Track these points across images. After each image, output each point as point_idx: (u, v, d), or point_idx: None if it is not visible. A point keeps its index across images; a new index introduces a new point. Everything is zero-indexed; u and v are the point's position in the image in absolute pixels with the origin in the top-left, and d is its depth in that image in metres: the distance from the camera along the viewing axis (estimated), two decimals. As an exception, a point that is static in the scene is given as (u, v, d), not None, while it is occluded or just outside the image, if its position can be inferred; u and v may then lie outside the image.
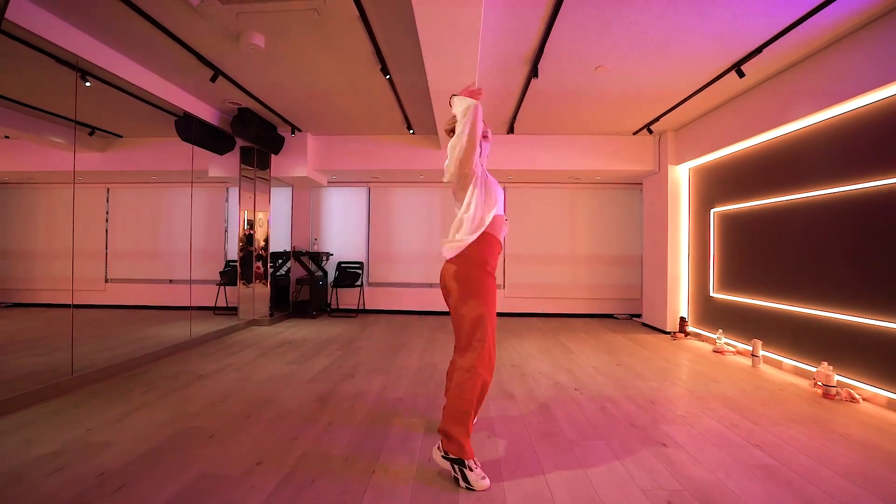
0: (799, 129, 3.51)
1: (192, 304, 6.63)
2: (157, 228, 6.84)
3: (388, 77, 3.57)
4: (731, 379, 3.37)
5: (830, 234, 3.21)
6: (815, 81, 3.20)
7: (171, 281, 6.88)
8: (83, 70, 3.41)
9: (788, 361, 3.58)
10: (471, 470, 1.79)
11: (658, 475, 1.88)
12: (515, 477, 1.87)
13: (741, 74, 3.39)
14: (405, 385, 3.13)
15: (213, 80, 3.59)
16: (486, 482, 1.79)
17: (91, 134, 5.27)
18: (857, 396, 2.83)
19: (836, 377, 2.96)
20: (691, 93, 4.01)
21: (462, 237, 1.93)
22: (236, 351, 4.11)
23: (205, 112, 4.57)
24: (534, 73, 3.49)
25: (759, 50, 3.13)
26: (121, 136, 5.73)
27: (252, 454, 2.05)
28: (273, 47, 3.23)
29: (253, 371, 3.44)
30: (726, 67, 3.46)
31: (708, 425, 2.44)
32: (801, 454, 2.09)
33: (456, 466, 1.81)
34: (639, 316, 6.34)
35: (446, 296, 2.00)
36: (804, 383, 3.25)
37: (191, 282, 5.30)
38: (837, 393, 2.88)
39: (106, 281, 6.68)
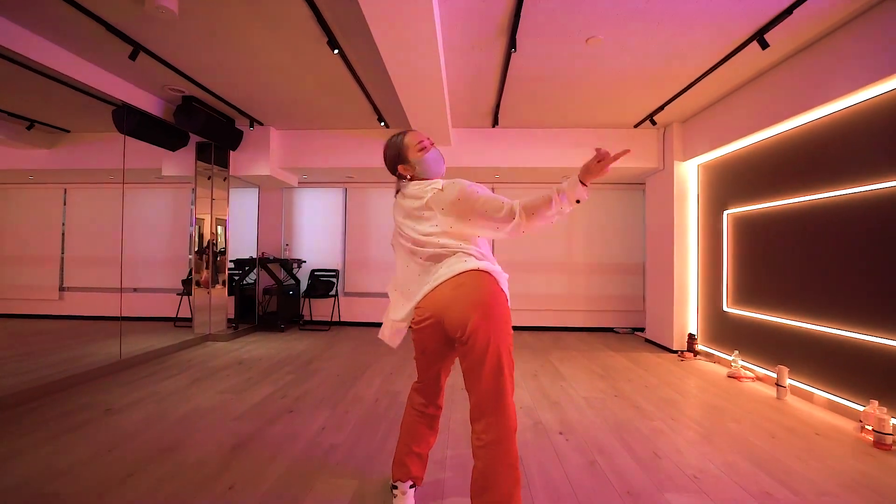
0: (832, 113, 2.91)
1: (155, 315, 6.11)
2: (115, 232, 6.29)
3: (336, 52, 2.99)
4: (755, 417, 2.75)
5: (874, 240, 2.60)
6: (859, 51, 2.59)
7: (135, 290, 6.34)
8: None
9: (821, 394, 2.95)
10: None
11: None
12: None
13: (764, 45, 2.78)
14: (351, 424, 2.54)
15: (132, 57, 3.03)
16: None
17: (30, 128, 4.73)
18: (920, 447, 2.21)
19: (893, 421, 2.34)
20: (703, 72, 3.41)
21: None
22: (171, 375, 3.53)
23: (144, 101, 4.02)
24: (512, 45, 2.91)
25: (787, 11, 2.53)
26: (68, 131, 5.20)
27: (94, 546, 1.46)
28: (192, 14, 2.67)
29: (175, 403, 2.86)
30: (747, 37, 2.85)
31: (731, 495, 1.82)
32: (867, 551, 1.48)
33: None
34: (642, 330, 5.71)
35: None
36: (845, 424, 2.63)
37: (121, 290, 4.76)
38: (895, 442, 2.26)
39: (61, 289, 6.14)
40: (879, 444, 2.28)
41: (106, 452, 2.15)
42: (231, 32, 2.91)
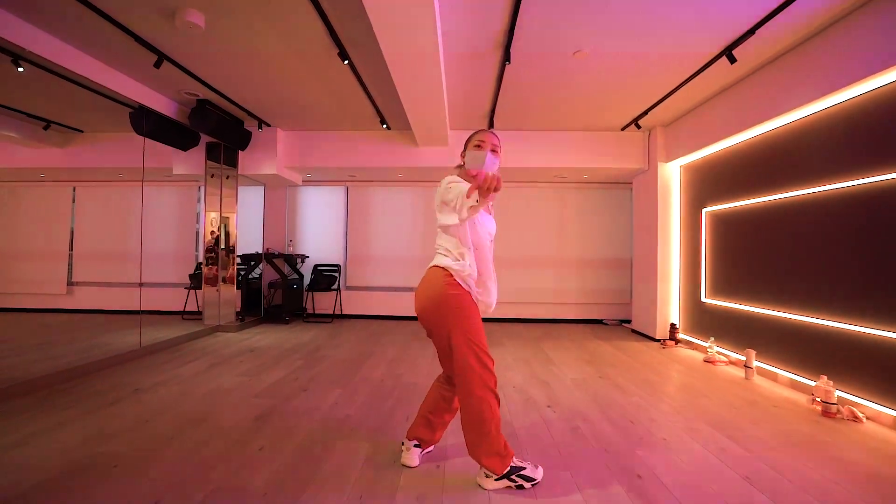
0: (797, 119, 3.23)
1: (163, 309, 6.34)
2: (125, 229, 6.51)
3: (346, 62, 3.26)
4: (722, 393, 3.07)
5: (832, 235, 2.92)
6: (814, 66, 2.92)
7: (140, 284, 6.55)
8: (14, 54, 3.12)
9: (784, 374, 3.28)
10: (524, 468, 1.78)
11: (628, 518, 1.58)
12: (457, 520, 1.57)
13: (732, 60, 3.10)
14: (361, 400, 2.83)
15: (156, 65, 3.29)
16: (541, 469, 1.84)
17: (46, 128, 4.96)
18: (860, 415, 2.53)
19: (837, 393, 2.67)
20: (679, 83, 3.73)
21: None
22: (189, 360, 3.80)
23: (161, 104, 4.27)
24: (506, 58, 3.20)
25: (751, 32, 2.84)
26: (81, 131, 5.42)
27: (154, 490, 1.74)
28: (216, 28, 2.93)
29: (198, 384, 3.13)
30: (716, 53, 3.17)
31: (692, 451, 2.14)
32: (797, 487, 1.79)
33: (513, 478, 1.75)
34: (628, 321, 6.04)
35: None
36: (802, 398, 2.96)
37: (141, 284, 4.98)
38: (838, 411, 2.58)
39: (69, 284, 6.35)
40: (826, 412, 2.60)
41: (144, 422, 2.42)
42: (249, 44, 3.17)
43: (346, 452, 2.09)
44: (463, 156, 1.87)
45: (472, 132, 1.88)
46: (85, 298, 6.37)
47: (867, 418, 2.56)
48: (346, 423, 2.44)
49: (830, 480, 1.87)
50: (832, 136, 2.92)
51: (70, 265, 6.41)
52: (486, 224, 1.86)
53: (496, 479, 1.75)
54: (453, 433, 2.24)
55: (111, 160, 5.53)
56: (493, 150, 1.78)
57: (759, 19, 2.75)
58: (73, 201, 6.48)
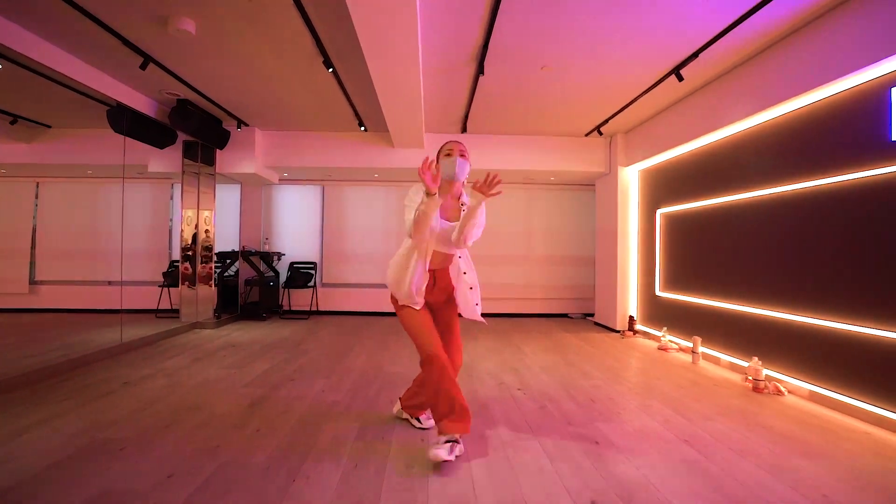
0: (738, 131, 3.64)
1: (134, 308, 6.26)
2: (93, 226, 6.39)
3: (331, 70, 3.45)
4: (672, 376, 3.45)
5: (767, 234, 3.34)
6: (749, 85, 3.33)
7: (109, 282, 6.46)
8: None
9: (725, 357, 3.70)
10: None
11: (586, 474, 1.87)
12: (442, 476, 1.82)
13: (680, 78, 3.48)
14: (346, 387, 3.03)
15: (142, 67, 3.37)
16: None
17: (13, 123, 4.87)
18: (783, 389, 2.95)
19: (765, 371, 3.08)
20: (635, 96, 4.10)
21: None
22: (172, 355, 3.88)
23: (140, 103, 4.31)
24: (480, 70, 3.47)
25: (695, 55, 3.22)
26: (49, 127, 5.33)
27: (165, 466, 1.90)
28: (206, 34, 3.06)
29: (185, 376, 3.25)
30: (666, 71, 3.55)
31: (642, 422, 2.47)
32: (726, 448, 2.14)
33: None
34: (592, 315, 6.45)
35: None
36: (738, 378, 3.37)
37: (122, 283, 4.98)
38: (766, 386, 2.99)
39: (32, 282, 6.19)
40: (756, 388, 3.01)
41: (140, 410, 2.55)
42: (236, 49, 3.30)
43: (337, 430, 2.30)
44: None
45: (445, 136, 2.23)
46: (50, 297, 6.23)
47: (789, 392, 2.98)
48: (335, 408, 2.65)
49: (753, 441, 2.23)
50: (766, 148, 3.34)
51: (32, 263, 6.24)
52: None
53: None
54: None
55: (80, 157, 5.46)
56: (462, 155, 2.06)
57: (702, 44, 3.12)
58: (37, 197, 6.31)
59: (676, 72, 3.44)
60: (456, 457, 1.91)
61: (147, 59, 3.34)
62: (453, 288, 2.31)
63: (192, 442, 2.15)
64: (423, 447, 2.12)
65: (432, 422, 2.33)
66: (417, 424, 2.35)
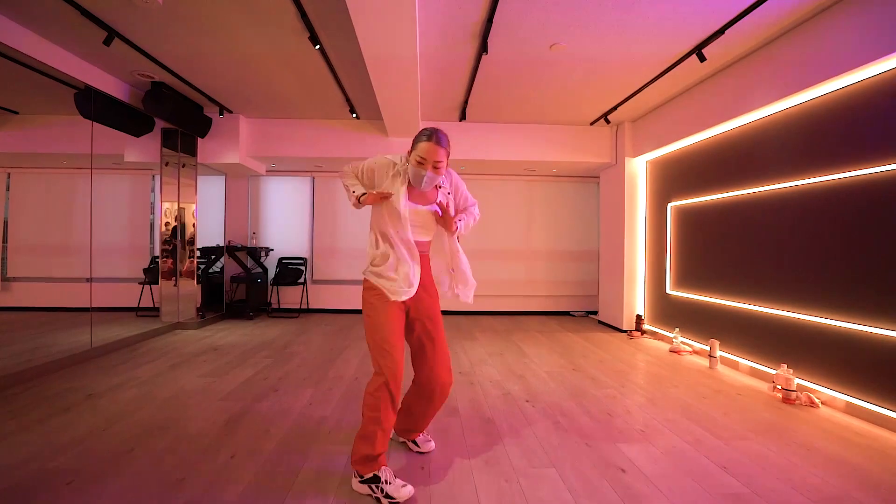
0: (759, 118, 3.35)
1: (114, 306, 5.92)
2: (69, 220, 6.01)
3: (318, 47, 3.11)
4: (689, 383, 3.18)
5: (790, 230, 3.06)
6: (776, 68, 3.03)
7: (87, 279, 6.09)
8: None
9: (745, 362, 3.44)
10: (388, 483, 1.65)
11: (615, 513, 1.59)
12: (447, 525, 1.54)
13: (702, 58, 3.17)
14: (335, 400, 2.73)
15: (106, 42, 3.01)
16: (410, 488, 1.67)
17: (-25, 108, 4.49)
18: (817, 401, 2.69)
19: (797, 380, 2.82)
20: (651, 78, 3.79)
21: None
22: (147, 361, 3.56)
23: (110, 85, 3.94)
24: (483, 48, 3.14)
25: (721, 31, 2.91)
26: (16, 113, 4.94)
27: (116, 507, 1.60)
28: (177, 4, 2.71)
29: (158, 386, 2.94)
30: (687, 50, 3.24)
31: (670, 442, 2.19)
32: (772, 477, 1.86)
33: (372, 486, 1.66)
34: (595, 313, 6.19)
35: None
36: (762, 386, 3.11)
37: (91, 279, 4.63)
38: (797, 397, 2.73)
39: (4, 279, 5.82)
40: (786, 399, 2.74)
41: (101, 431, 2.24)
42: (211, 23, 2.95)
43: (324, 457, 2.01)
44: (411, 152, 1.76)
45: (442, 124, 1.90)
46: (23, 295, 5.86)
47: (823, 403, 2.71)
48: (323, 426, 2.35)
49: (797, 466, 1.96)
50: (793, 135, 3.05)
51: (4, 259, 5.87)
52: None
53: (360, 482, 1.70)
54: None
55: (53, 145, 5.07)
56: (435, 168, 1.70)
57: (730, 18, 2.81)
58: (8, 189, 5.92)
59: (699, 51, 3.13)
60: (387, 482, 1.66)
61: (112, 34, 2.98)
62: (432, 280, 1.94)
63: (156, 472, 1.85)
64: (424, 474, 1.83)
65: (432, 444, 2.10)
66: (415, 448, 2.06)
